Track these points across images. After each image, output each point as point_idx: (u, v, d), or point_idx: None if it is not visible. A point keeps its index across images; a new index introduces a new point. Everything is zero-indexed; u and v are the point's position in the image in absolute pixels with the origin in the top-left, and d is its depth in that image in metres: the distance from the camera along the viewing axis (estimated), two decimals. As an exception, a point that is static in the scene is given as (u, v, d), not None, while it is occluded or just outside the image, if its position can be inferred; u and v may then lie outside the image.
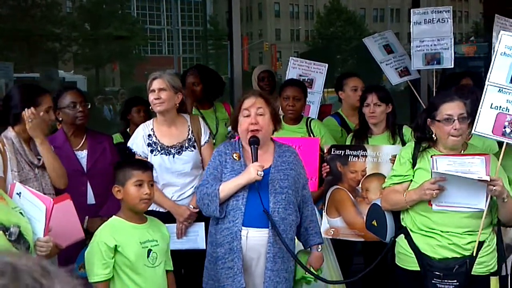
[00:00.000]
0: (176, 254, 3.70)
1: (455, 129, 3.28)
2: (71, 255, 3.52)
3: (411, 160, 3.49)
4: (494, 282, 3.31)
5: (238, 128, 3.49)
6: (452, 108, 3.32)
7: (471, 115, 3.36)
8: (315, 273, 3.52)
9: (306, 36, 14.22)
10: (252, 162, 3.35)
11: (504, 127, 3.14)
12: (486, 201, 3.19)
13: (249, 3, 14.92)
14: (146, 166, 3.36)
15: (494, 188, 3.17)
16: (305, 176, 3.63)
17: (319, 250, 3.58)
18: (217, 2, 12.24)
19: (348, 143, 4.49)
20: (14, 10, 8.73)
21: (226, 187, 3.35)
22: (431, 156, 3.32)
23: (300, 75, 5.28)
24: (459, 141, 3.34)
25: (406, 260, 3.49)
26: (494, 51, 3.27)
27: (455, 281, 3.30)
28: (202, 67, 5.58)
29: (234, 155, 3.47)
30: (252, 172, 3.29)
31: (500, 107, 3.14)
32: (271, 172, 3.41)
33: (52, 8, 10.56)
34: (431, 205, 3.34)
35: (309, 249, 3.59)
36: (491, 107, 3.16)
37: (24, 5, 9.42)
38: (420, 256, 3.41)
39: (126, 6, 12.27)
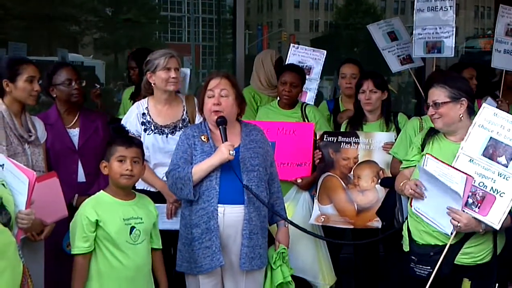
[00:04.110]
0: (166, 234, 3.71)
1: (430, 114, 3.39)
2: (60, 233, 3.58)
3: (420, 146, 3.52)
4: (466, 285, 3.30)
5: (203, 109, 3.52)
6: (429, 96, 3.43)
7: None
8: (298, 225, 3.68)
9: (325, 26, 14.13)
10: (223, 142, 3.37)
11: (468, 197, 3.16)
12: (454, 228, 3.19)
13: (270, -8, 14.92)
14: (131, 143, 3.34)
15: (459, 224, 3.16)
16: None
17: (286, 225, 3.64)
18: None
19: (343, 130, 4.47)
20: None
21: (199, 169, 3.37)
22: (426, 153, 3.36)
23: (299, 62, 5.27)
24: (438, 124, 3.38)
25: (405, 241, 3.53)
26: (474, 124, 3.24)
27: (429, 267, 3.31)
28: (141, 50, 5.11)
29: (202, 137, 3.48)
30: (224, 152, 3.32)
31: None
32: (240, 151, 3.44)
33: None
34: (412, 205, 3.41)
35: (275, 225, 3.64)
36: None
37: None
38: (410, 239, 3.47)
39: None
